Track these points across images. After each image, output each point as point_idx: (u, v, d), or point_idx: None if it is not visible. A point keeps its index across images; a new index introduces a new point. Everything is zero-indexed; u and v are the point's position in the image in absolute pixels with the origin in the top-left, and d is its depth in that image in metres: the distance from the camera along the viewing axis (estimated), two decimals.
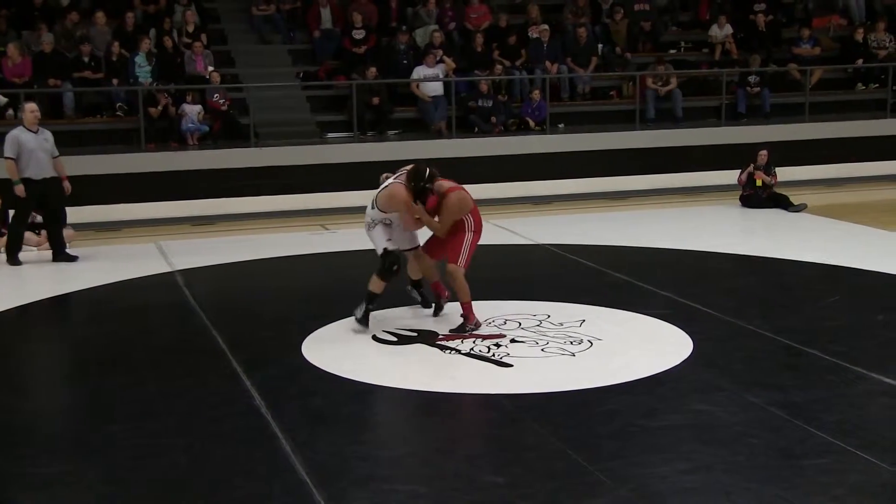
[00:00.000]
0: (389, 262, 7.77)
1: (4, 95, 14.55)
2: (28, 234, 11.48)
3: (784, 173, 14.16)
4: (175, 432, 6.00)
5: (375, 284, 7.84)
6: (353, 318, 7.93)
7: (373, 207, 7.93)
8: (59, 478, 5.41)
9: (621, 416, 6.07)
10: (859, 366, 6.87)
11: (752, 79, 17.30)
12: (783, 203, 13.43)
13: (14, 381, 7.13)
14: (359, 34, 16.60)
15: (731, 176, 14.25)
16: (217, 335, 7.96)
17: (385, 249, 7.80)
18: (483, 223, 8.11)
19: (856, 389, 6.50)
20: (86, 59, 15.14)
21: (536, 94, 16.13)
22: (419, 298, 8.46)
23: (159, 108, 14.68)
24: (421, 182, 7.71)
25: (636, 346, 7.50)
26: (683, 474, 5.25)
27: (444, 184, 7.96)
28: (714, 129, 16.68)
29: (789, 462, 5.41)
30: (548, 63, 16.80)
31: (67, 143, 14.03)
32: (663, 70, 16.99)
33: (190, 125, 14.68)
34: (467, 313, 7.89)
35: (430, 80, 15.83)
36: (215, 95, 15.12)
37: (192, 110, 14.73)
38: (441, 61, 16.09)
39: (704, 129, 16.59)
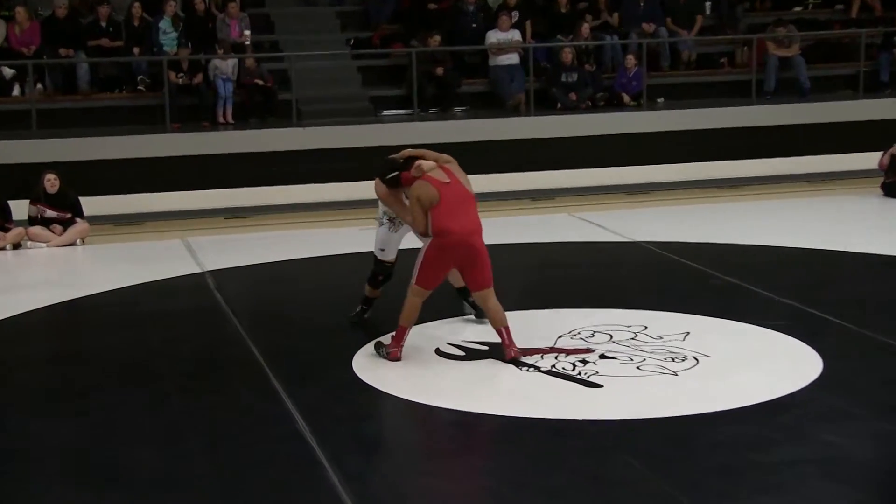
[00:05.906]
0: (374, 271, 8.41)
1: (10, 67, 14.87)
2: (38, 230, 11.77)
3: None
4: (204, 458, 6.10)
5: (367, 290, 8.53)
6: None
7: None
8: None
9: (732, 448, 6.03)
10: None
11: None
12: None
13: (23, 397, 7.29)
14: None
15: (870, 160, 14.09)
16: (253, 346, 8.06)
17: (375, 258, 8.41)
18: (469, 226, 7.38)
19: None
20: (103, 25, 15.41)
21: (631, 61, 16.03)
22: (471, 311, 8.49)
23: (180, 76, 14.82)
24: (387, 176, 7.76)
25: (751, 365, 7.45)
26: None
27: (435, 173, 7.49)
28: (850, 102, 16.49)
29: None
30: (644, 25, 16.71)
31: (81, 122, 14.37)
32: (785, 32, 16.78)
33: (223, 78, 14.75)
34: (396, 339, 7.59)
35: (503, 46, 15.85)
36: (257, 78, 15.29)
37: (226, 66, 14.83)
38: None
39: (838, 104, 16.40)
